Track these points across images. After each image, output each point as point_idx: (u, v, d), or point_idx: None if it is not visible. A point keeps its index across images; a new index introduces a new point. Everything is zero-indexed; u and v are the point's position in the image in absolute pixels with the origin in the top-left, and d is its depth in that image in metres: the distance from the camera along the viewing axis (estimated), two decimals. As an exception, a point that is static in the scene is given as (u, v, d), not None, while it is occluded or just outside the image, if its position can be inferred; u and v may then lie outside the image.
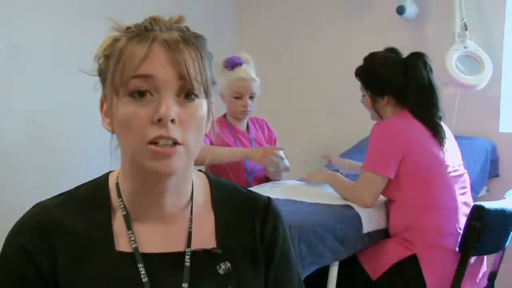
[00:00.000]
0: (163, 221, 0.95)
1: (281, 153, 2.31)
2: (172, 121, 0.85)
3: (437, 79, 2.16)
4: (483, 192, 2.73)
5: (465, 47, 2.77)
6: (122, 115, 0.87)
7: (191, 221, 0.96)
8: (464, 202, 2.11)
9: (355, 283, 2.10)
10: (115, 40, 0.90)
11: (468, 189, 2.18)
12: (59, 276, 0.90)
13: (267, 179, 2.50)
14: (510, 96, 2.90)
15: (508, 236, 2.12)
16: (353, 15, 3.32)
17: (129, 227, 0.93)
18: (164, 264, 0.92)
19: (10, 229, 0.94)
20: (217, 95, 2.38)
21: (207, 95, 0.90)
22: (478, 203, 1.98)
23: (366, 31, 3.22)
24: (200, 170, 1.06)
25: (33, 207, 0.95)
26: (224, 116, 2.52)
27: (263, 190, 2.06)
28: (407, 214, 2.07)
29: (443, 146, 2.08)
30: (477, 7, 2.87)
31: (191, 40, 0.88)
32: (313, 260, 1.82)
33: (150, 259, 0.92)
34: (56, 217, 0.93)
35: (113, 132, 0.92)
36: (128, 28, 0.90)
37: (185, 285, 0.91)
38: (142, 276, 0.90)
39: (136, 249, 0.92)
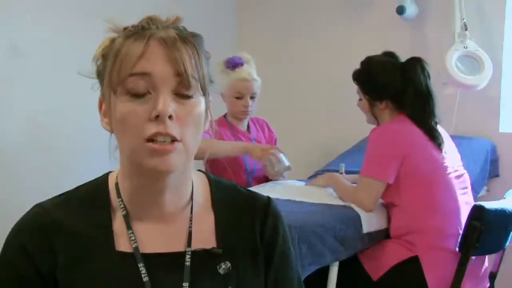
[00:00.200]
0: (163, 220, 0.95)
1: (281, 155, 2.31)
2: (170, 117, 0.85)
3: (437, 79, 2.16)
4: (483, 192, 2.73)
5: (465, 47, 2.77)
6: (120, 113, 0.87)
7: (191, 220, 0.96)
8: (465, 202, 2.11)
9: (356, 283, 2.09)
10: (113, 41, 0.90)
11: (469, 189, 2.18)
12: (59, 276, 0.90)
13: (267, 179, 2.49)
14: (510, 96, 2.90)
15: (508, 236, 2.12)
16: (353, 15, 3.31)
17: (129, 227, 0.93)
18: (164, 263, 0.92)
19: (10, 229, 0.94)
20: (216, 95, 2.37)
21: (204, 92, 0.91)
22: (478, 203, 1.98)
23: (366, 31, 3.22)
24: (200, 170, 1.07)
25: (33, 207, 0.95)
26: (225, 116, 2.52)
27: (263, 190, 2.06)
28: (409, 217, 2.07)
29: (441, 150, 2.09)
30: (477, 7, 2.87)
31: (188, 38, 0.88)
32: (313, 260, 1.81)
33: (150, 258, 0.92)
34: (56, 217, 0.93)
35: (111, 131, 0.92)
36: (125, 28, 0.90)
37: (185, 284, 0.91)
38: (142, 276, 0.90)
39: (136, 249, 0.92)
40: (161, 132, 0.85)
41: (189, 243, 0.94)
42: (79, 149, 2.70)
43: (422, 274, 1.98)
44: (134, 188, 0.93)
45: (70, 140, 2.68)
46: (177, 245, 0.94)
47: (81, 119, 2.57)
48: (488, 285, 2.17)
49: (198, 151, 0.92)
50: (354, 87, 2.28)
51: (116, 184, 0.96)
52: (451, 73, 2.72)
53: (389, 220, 2.15)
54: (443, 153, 2.09)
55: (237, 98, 2.41)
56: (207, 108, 0.93)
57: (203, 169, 1.88)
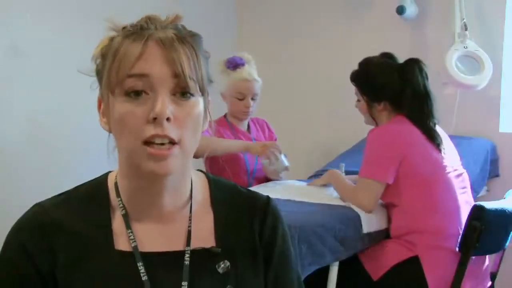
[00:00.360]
0: (162, 220, 0.95)
1: (281, 155, 2.31)
2: (168, 119, 0.85)
3: (437, 79, 2.16)
4: (483, 192, 2.73)
5: (465, 47, 2.77)
6: (118, 114, 0.87)
7: (190, 220, 0.96)
8: (465, 201, 2.11)
9: (356, 283, 2.09)
10: (112, 39, 0.90)
11: (469, 188, 2.18)
12: (58, 276, 0.90)
13: (267, 180, 2.49)
14: (510, 96, 2.90)
15: (508, 236, 2.12)
16: (353, 15, 3.32)
17: (128, 226, 0.93)
18: (164, 263, 0.92)
19: (10, 229, 0.94)
20: (216, 94, 2.38)
21: (203, 93, 0.90)
22: (478, 203, 1.98)
23: (366, 31, 3.22)
24: (199, 170, 1.07)
25: (33, 206, 0.95)
26: (225, 116, 2.52)
27: (263, 190, 2.04)
28: (409, 217, 2.07)
29: (440, 150, 2.09)
30: (477, 7, 2.87)
31: (186, 39, 0.88)
32: (313, 260, 1.81)
33: (149, 258, 0.92)
34: (56, 216, 0.93)
35: (110, 131, 0.92)
36: (124, 27, 0.90)
37: (184, 283, 0.91)
38: (141, 275, 0.90)
39: (135, 248, 0.92)
40: (159, 134, 0.85)
41: (188, 242, 0.94)
42: (79, 149, 2.70)
43: (422, 274, 1.98)
44: (133, 189, 0.93)
45: (70, 140, 2.69)
46: (176, 244, 0.94)
47: (81, 119, 2.57)
48: (489, 284, 2.17)
49: (197, 149, 0.92)
50: (354, 87, 2.28)
51: (116, 184, 0.96)
52: (451, 73, 2.72)
53: (389, 220, 2.15)
54: (442, 153, 2.09)
55: (238, 98, 2.40)
56: (206, 108, 0.93)
57: (203, 169, 1.88)
